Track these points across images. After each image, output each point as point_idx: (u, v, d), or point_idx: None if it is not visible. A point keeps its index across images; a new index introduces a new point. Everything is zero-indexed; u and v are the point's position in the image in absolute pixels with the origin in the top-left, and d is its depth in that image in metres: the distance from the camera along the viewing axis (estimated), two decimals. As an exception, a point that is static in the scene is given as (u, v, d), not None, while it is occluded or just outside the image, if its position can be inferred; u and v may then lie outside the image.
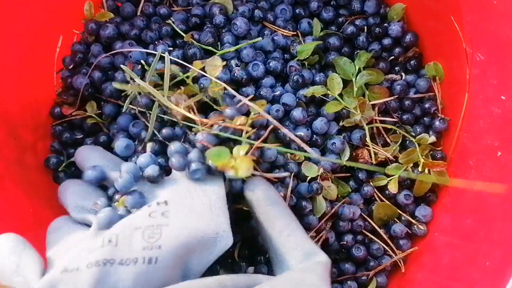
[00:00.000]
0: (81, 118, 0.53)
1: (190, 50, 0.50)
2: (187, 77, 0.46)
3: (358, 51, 0.54)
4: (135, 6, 0.55)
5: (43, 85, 0.54)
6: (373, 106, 0.52)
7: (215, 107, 0.47)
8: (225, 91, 0.45)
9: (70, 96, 0.53)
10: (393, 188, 0.51)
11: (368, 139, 0.51)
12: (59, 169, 0.53)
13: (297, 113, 0.49)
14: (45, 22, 0.52)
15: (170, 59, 0.45)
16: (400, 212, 0.53)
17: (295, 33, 0.54)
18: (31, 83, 0.52)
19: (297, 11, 0.54)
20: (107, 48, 0.54)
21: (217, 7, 0.53)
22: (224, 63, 0.46)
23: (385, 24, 0.55)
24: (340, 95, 0.51)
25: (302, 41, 0.53)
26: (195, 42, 0.50)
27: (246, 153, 0.42)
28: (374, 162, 0.51)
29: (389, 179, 0.52)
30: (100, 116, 0.53)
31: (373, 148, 0.52)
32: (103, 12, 0.53)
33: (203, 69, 0.47)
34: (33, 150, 0.53)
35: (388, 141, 0.53)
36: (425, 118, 0.54)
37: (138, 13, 0.55)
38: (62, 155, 0.53)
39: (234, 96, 0.44)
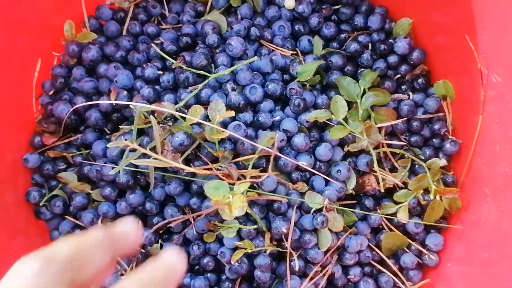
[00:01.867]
0: (64, 146, 0.50)
1: (182, 75, 0.45)
2: (183, 118, 0.42)
3: (362, 69, 0.50)
4: (121, 24, 0.51)
5: (21, 113, 0.49)
6: (379, 129, 0.48)
7: (214, 154, 0.44)
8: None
9: (51, 124, 0.49)
10: (403, 217, 0.47)
11: (375, 165, 0.47)
12: (41, 204, 0.48)
13: (299, 140, 0.46)
14: (22, 43, 0.48)
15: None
16: (410, 241, 0.49)
17: (294, 52, 0.50)
18: (8, 112, 0.48)
19: (296, 27, 0.50)
20: (90, 71, 0.49)
21: (209, 25, 0.48)
22: (233, 113, 0.43)
23: (390, 41, 0.51)
24: (345, 118, 0.47)
25: (302, 61, 0.49)
26: (185, 67, 0.46)
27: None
28: (382, 190, 0.48)
29: (398, 206, 0.49)
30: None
31: (381, 173, 0.48)
32: (86, 32, 0.49)
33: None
34: (12, 184, 0.48)
35: (396, 165, 0.49)
36: (434, 140, 0.51)
37: (124, 33, 0.51)
38: (43, 188, 0.49)
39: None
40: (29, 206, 0.49)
